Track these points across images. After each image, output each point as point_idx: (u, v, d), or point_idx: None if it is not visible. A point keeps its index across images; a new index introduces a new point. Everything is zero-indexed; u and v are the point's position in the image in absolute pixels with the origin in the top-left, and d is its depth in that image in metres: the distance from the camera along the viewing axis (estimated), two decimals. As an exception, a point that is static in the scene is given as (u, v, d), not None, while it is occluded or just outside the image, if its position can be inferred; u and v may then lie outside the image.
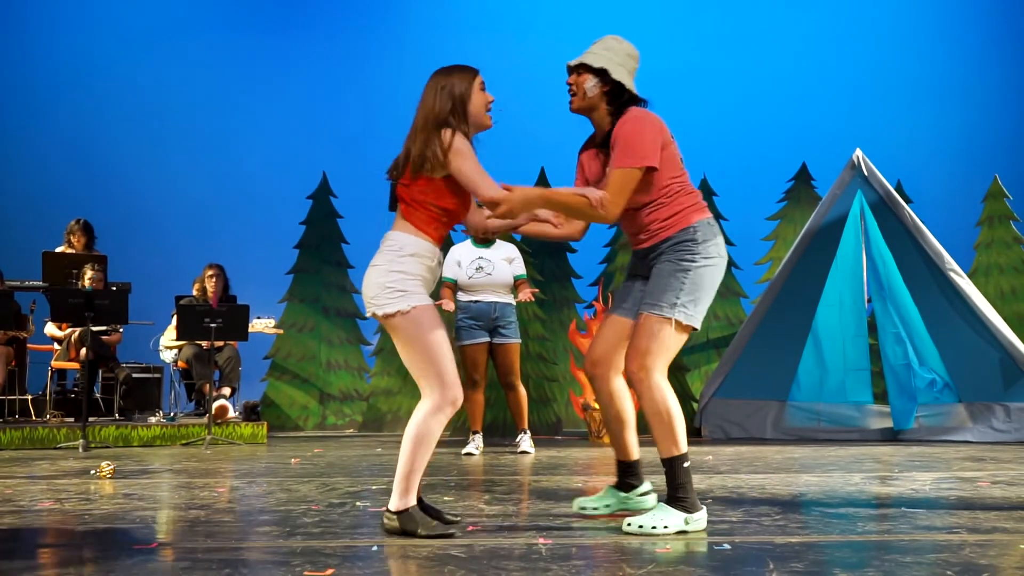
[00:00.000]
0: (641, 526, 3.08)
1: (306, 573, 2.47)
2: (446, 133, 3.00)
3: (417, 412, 3.03)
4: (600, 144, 3.33)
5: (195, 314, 7.25)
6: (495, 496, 4.09)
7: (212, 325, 7.15)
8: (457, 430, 8.77)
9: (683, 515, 3.09)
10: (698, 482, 4.17)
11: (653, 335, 3.15)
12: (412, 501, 3.03)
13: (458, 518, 3.29)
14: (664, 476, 3.19)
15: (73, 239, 8.61)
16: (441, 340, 3.02)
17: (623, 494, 3.45)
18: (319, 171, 10.35)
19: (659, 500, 3.31)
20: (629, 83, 3.27)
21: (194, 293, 8.31)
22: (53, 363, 8.12)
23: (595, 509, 3.44)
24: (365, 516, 3.51)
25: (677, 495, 3.12)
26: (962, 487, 4.38)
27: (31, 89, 12.44)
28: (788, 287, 8.31)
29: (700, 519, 3.13)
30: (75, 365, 8.06)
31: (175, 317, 8.02)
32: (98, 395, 8.18)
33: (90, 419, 7.17)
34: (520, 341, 6.67)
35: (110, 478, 4.78)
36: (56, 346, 8.18)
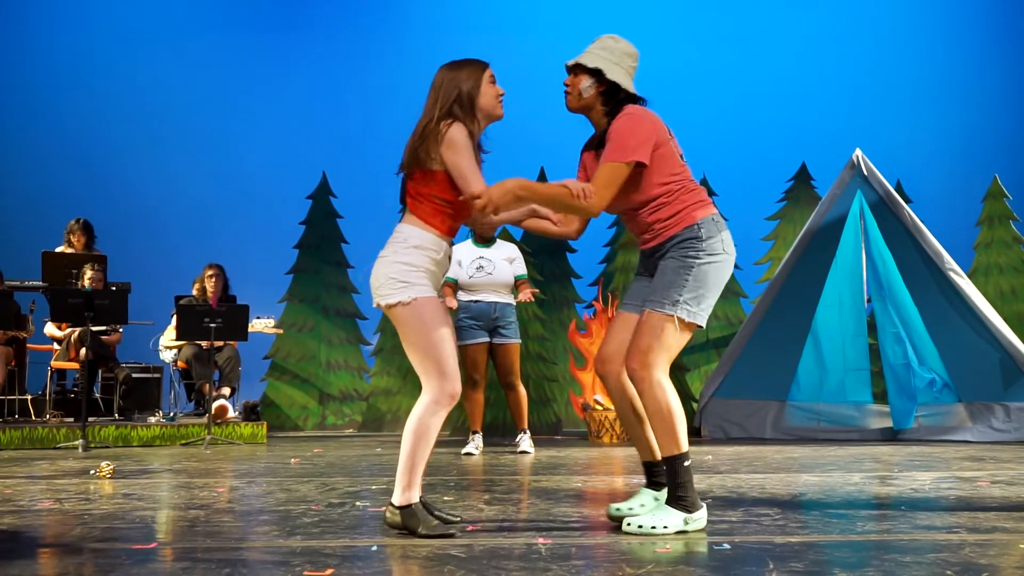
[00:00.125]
0: (640, 526, 3.08)
1: (306, 573, 2.46)
2: (444, 125, 3.00)
3: (417, 406, 3.04)
4: (598, 144, 3.33)
5: (195, 314, 7.25)
6: (495, 496, 4.09)
7: (212, 325, 7.15)
8: (457, 430, 8.77)
9: (683, 515, 3.09)
10: (698, 482, 4.17)
11: (655, 332, 3.14)
12: (415, 497, 3.03)
13: (458, 518, 3.29)
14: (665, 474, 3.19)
15: (73, 239, 8.61)
16: (442, 333, 3.02)
17: (656, 493, 3.35)
18: (319, 171, 10.36)
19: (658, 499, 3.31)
20: (627, 82, 3.26)
21: (194, 293, 8.31)
22: (53, 363, 8.12)
23: (630, 510, 3.30)
24: (365, 516, 3.51)
25: (677, 494, 3.11)
26: (962, 487, 4.38)
27: (31, 89, 12.44)
28: (788, 287, 8.31)
29: (700, 518, 3.12)
30: (75, 365, 8.06)
31: (175, 317, 8.02)
32: (98, 395, 8.18)
33: (90, 419, 7.17)
34: (520, 341, 6.67)
35: (110, 478, 4.78)
36: (56, 346, 8.18)
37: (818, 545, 2.89)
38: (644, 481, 3.43)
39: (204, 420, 7.51)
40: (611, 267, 10.20)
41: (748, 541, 2.94)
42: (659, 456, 3.32)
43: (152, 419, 7.82)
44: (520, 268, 6.66)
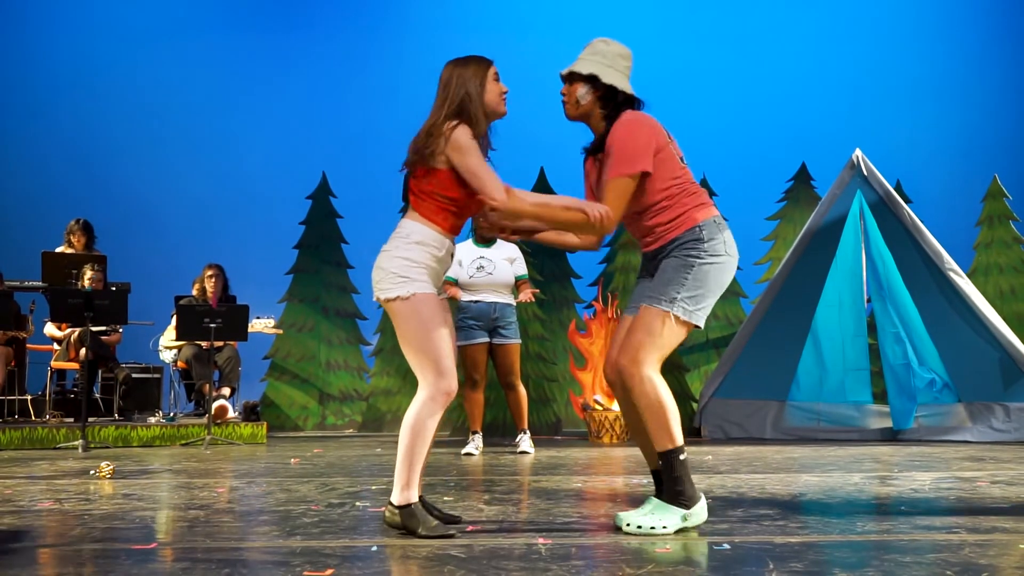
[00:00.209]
0: (640, 526, 3.07)
1: (306, 573, 2.46)
2: (450, 125, 3.01)
3: (413, 403, 3.04)
4: (596, 149, 3.31)
5: (195, 314, 7.25)
6: (495, 496, 4.09)
7: (212, 325, 7.15)
8: (457, 430, 8.77)
9: (681, 511, 3.08)
10: (698, 482, 4.15)
11: (648, 328, 3.13)
12: (414, 496, 3.03)
13: (458, 518, 3.29)
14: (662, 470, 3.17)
15: (73, 239, 8.61)
16: (439, 330, 3.02)
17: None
18: (319, 171, 10.36)
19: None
20: (623, 84, 3.24)
21: (194, 293, 8.31)
22: (53, 363, 8.12)
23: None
24: (365, 516, 3.51)
25: (675, 489, 3.10)
26: (962, 487, 4.38)
27: (31, 89, 12.45)
28: (788, 287, 8.31)
29: (698, 512, 3.11)
30: (75, 365, 8.06)
31: (175, 317, 8.02)
32: (98, 395, 8.18)
33: (90, 419, 7.17)
34: (520, 341, 6.66)
35: (109, 478, 4.78)
36: (56, 346, 8.18)
37: (818, 545, 2.89)
38: (654, 490, 3.37)
39: (204, 420, 7.51)
40: (611, 267, 10.20)
41: (748, 541, 2.94)
42: None
43: (152, 419, 7.82)
44: (521, 268, 6.65)
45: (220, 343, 7.73)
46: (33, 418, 7.90)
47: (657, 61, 10.56)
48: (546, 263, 9.98)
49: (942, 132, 13.34)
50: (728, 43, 13.64)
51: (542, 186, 10.09)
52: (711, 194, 10.43)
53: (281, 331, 9.22)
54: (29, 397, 8.07)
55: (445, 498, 3.97)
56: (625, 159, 3.11)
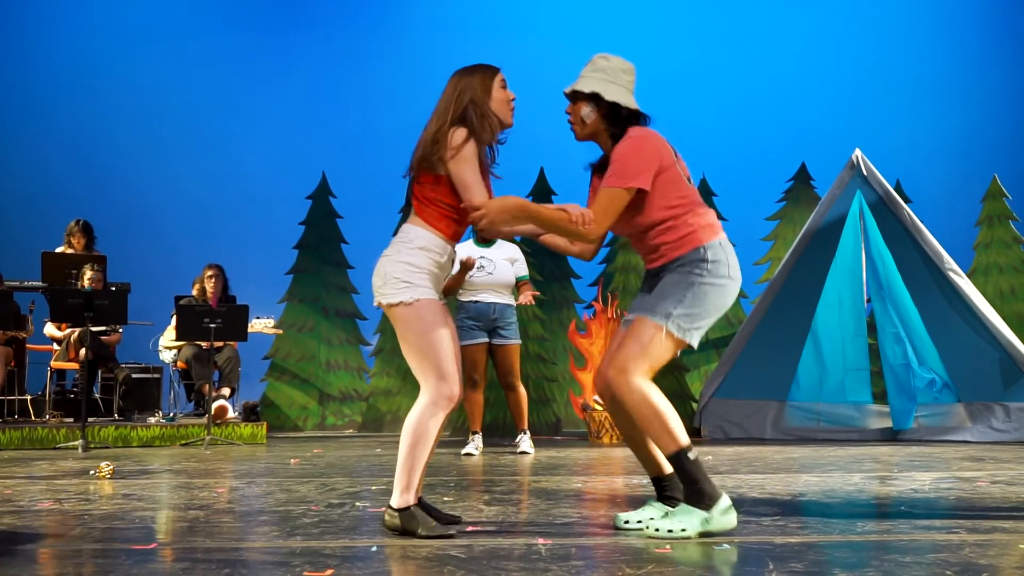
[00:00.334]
0: (658, 529, 3.01)
1: (306, 573, 2.46)
2: (455, 133, 3.00)
3: (415, 407, 3.03)
4: (603, 167, 3.27)
5: (194, 314, 7.25)
6: (495, 496, 4.09)
7: (211, 325, 7.14)
8: (457, 430, 8.77)
9: (702, 514, 2.99)
10: (698, 482, 4.16)
11: (640, 340, 3.08)
12: (413, 499, 3.03)
13: (458, 518, 3.29)
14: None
15: (73, 240, 8.61)
16: (442, 335, 3.01)
17: (668, 508, 3.21)
18: (319, 171, 10.36)
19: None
20: (626, 99, 3.20)
21: (193, 293, 8.31)
22: (52, 363, 8.12)
23: (639, 522, 3.19)
24: (364, 516, 3.51)
25: (693, 489, 3.01)
26: (962, 487, 4.38)
27: (31, 89, 12.45)
28: (788, 287, 8.31)
29: (720, 518, 2.99)
30: (74, 365, 8.06)
31: (174, 317, 8.01)
32: (97, 395, 8.18)
33: (89, 419, 7.17)
34: (520, 342, 6.66)
35: (109, 478, 4.78)
36: (55, 346, 8.18)
37: (818, 545, 2.89)
38: (655, 494, 3.34)
39: (204, 420, 7.51)
40: (611, 267, 10.20)
41: (748, 541, 2.93)
42: (666, 470, 3.24)
43: (152, 419, 7.82)
44: (522, 269, 6.65)
45: (220, 343, 7.72)
46: (33, 418, 7.90)
47: (657, 61, 10.55)
48: (546, 263, 9.98)
49: (942, 132, 13.35)
50: (728, 43, 13.64)
51: (542, 186, 10.10)
52: (711, 194, 10.44)
53: (281, 331, 9.21)
54: (29, 397, 8.07)
55: (445, 498, 3.97)
56: (623, 172, 3.07)
